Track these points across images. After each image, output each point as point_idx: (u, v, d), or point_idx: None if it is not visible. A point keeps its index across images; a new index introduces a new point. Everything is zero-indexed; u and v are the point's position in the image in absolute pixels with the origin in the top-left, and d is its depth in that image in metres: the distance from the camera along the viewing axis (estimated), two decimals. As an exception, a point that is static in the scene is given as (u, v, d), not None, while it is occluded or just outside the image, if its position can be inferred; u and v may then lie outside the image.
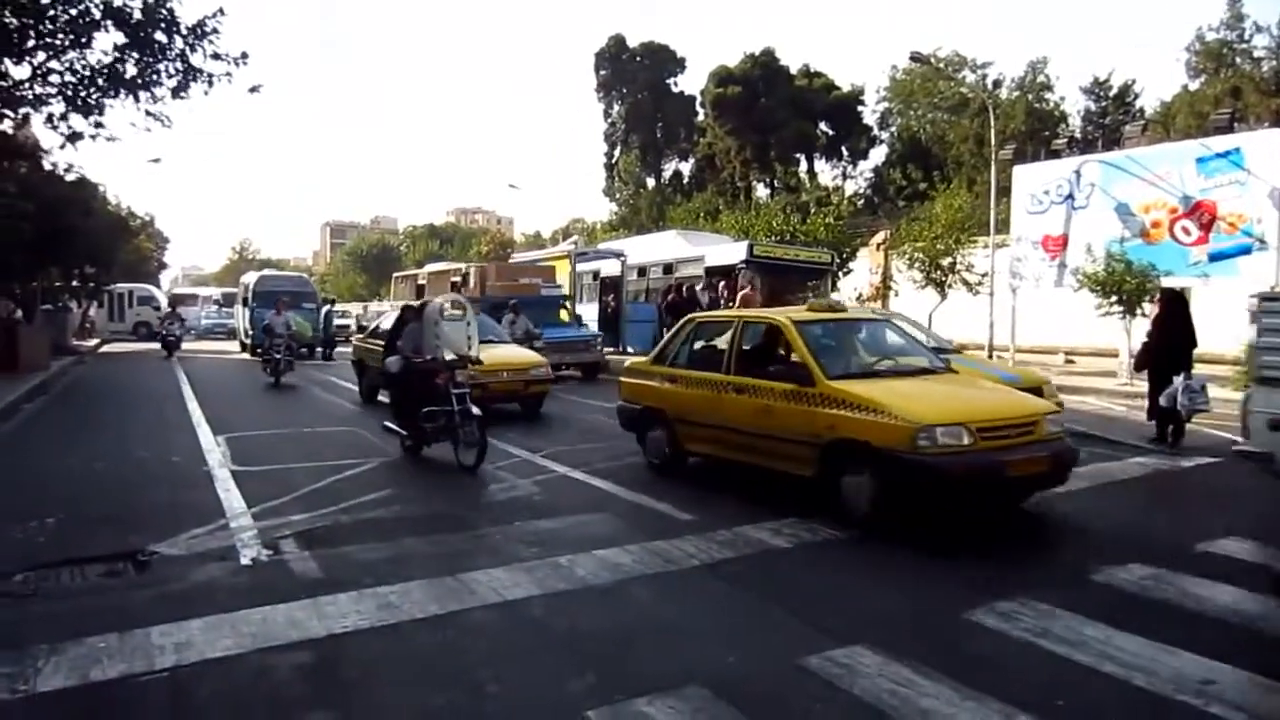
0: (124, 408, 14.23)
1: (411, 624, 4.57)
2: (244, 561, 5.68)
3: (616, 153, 64.56)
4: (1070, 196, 22.29)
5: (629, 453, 9.01)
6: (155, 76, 9.20)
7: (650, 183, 63.55)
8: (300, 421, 12.40)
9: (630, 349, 21.20)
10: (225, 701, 3.77)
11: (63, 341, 25.47)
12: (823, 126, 57.66)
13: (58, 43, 8.83)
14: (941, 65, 44.25)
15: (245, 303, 28.63)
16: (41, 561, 5.56)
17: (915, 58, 31.52)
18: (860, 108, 58.01)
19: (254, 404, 15.10)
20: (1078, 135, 37.04)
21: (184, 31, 9.26)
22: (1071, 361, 22.24)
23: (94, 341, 32.72)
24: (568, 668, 4.05)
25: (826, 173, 57.99)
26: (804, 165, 57.16)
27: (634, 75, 62.52)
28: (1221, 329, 14.46)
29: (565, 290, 22.18)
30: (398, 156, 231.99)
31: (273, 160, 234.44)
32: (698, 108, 61.44)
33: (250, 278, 30.40)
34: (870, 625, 4.52)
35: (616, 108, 63.90)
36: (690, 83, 64.28)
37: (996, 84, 50.92)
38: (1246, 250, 18.76)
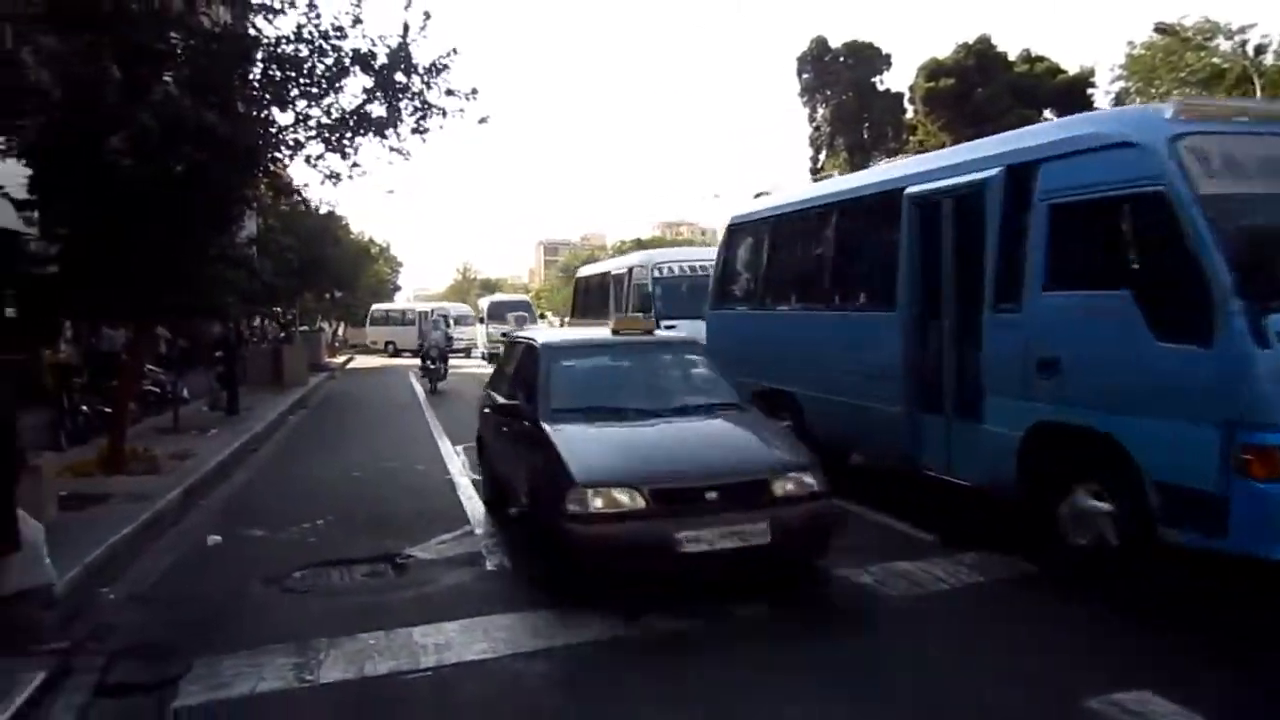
0: (371, 419, 15.48)
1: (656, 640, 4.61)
2: (489, 567, 5.97)
3: (822, 156, 63.30)
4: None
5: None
6: (397, 115, 9.85)
7: (858, 185, 61.71)
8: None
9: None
10: (484, 704, 3.94)
11: (317, 359, 28.09)
12: (1048, 114, 53.82)
13: (315, 90, 9.62)
14: (1190, 35, 39.87)
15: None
16: (314, 560, 6.11)
17: (1160, 28, 28.51)
18: (1091, 90, 53.66)
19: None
20: (1361, 99, 32.29)
21: (421, 71, 9.83)
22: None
23: (342, 358, 35.97)
24: None
25: (1054, 163, 54.09)
26: (1028, 156, 53.69)
27: (838, 76, 61.21)
28: None
29: None
30: (605, 173, 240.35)
31: (489, 184, 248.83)
32: (906, 105, 59.24)
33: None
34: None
35: (821, 111, 62.73)
36: (897, 80, 62.13)
37: (1259, 50, 45.43)
38: None
